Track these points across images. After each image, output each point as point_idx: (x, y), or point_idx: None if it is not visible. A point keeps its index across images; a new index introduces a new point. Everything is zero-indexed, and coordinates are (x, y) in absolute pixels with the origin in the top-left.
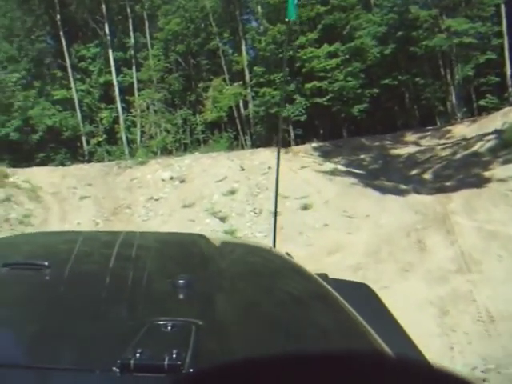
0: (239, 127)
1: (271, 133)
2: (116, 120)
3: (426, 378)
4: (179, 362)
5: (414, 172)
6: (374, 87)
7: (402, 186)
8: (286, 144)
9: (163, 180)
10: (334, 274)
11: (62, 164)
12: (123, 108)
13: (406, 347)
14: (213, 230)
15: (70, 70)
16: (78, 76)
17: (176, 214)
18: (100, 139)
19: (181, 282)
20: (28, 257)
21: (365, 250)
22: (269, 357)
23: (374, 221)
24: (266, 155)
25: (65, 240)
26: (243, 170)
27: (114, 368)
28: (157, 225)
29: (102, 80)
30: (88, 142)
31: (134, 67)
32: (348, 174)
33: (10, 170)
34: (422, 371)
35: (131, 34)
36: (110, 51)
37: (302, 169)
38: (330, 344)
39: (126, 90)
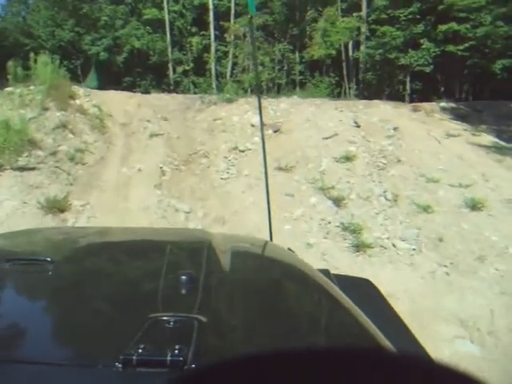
0: (344, 72)
1: (383, 83)
2: (207, 48)
3: (427, 374)
4: (181, 358)
5: None
6: None
7: None
8: (399, 98)
9: (253, 126)
10: None
11: (147, 91)
12: (216, 36)
13: (408, 342)
14: (323, 220)
15: None
16: None
17: None
18: (187, 67)
19: (183, 277)
20: (31, 252)
21: None
22: (271, 352)
23: None
24: (387, 111)
25: (67, 236)
26: (358, 126)
27: (117, 363)
28: (238, 190)
29: (196, 1)
30: (174, 71)
31: None
32: None
33: (83, 91)
34: (423, 367)
35: None
36: None
37: (450, 138)
38: (332, 339)
39: (222, 16)
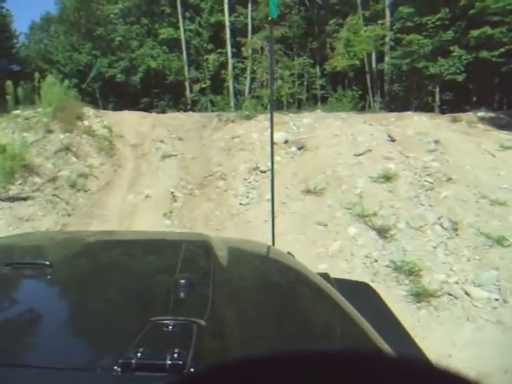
0: (368, 85)
1: (411, 95)
2: (224, 65)
3: (426, 377)
4: (181, 362)
5: None
6: None
7: None
8: (428, 110)
9: (274, 143)
10: None
11: (164, 112)
12: (233, 53)
13: (407, 346)
14: (367, 257)
15: (179, 7)
16: (188, 14)
17: (293, 203)
18: (204, 85)
19: (182, 281)
20: (29, 256)
21: None
22: (270, 356)
23: None
24: (422, 122)
25: (67, 240)
26: (393, 140)
27: (116, 367)
28: (261, 219)
29: (213, 20)
30: (191, 90)
31: (249, 5)
32: None
33: (93, 112)
34: (423, 370)
35: None
36: None
37: (506, 150)
38: (331, 343)
39: (238, 33)
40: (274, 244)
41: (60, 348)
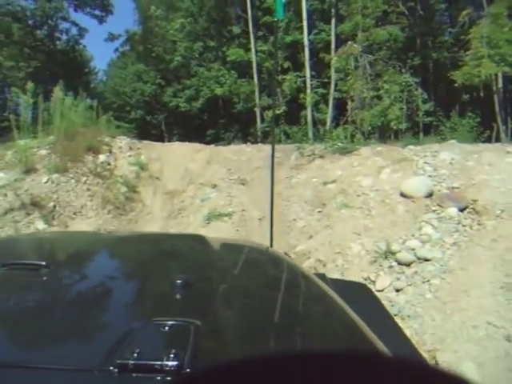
0: (496, 108)
1: None
2: (301, 90)
3: (423, 378)
4: (178, 362)
5: None
6: None
7: None
8: None
9: (405, 196)
10: None
11: (230, 144)
12: (312, 76)
13: (404, 347)
14: None
15: (250, 26)
16: (260, 33)
17: None
18: (278, 111)
19: (179, 282)
20: (26, 257)
21: None
22: (267, 357)
23: None
24: None
25: (63, 240)
26: None
27: (112, 368)
28: None
29: (289, 39)
30: (262, 119)
31: (333, 20)
32: None
33: (127, 142)
34: (419, 371)
35: None
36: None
37: None
38: (328, 343)
39: (318, 54)
40: (271, 245)
41: (57, 348)
